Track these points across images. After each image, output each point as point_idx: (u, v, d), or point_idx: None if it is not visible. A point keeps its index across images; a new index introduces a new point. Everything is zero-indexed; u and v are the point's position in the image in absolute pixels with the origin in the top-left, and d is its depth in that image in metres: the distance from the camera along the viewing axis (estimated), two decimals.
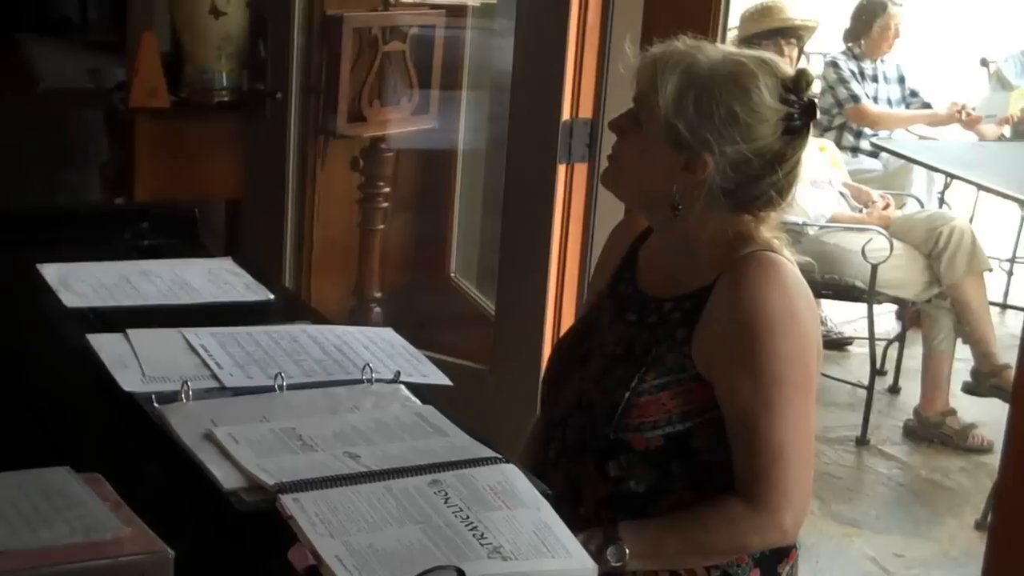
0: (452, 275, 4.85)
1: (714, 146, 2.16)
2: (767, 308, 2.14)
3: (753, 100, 2.16)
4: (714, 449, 2.20)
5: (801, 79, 2.20)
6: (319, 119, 4.40)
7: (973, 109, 6.91)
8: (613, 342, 2.31)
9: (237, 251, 4.01)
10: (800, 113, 2.19)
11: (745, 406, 2.15)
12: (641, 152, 2.24)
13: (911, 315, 5.82)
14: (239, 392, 2.02)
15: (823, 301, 6.05)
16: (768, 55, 2.25)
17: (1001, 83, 7.11)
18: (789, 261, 2.22)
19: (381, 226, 4.64)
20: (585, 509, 2.25)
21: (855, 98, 6.68)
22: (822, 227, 5.30)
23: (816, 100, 2.23)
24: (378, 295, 4.69)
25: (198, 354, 2.13)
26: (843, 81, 6.74)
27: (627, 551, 2.16)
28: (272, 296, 2.51)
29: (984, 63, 7.47)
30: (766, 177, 2.19)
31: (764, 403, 2.13)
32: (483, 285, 4.60)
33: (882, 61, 6.83)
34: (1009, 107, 6.87)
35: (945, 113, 6.86)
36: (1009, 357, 4.94)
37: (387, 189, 4.61)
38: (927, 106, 6.92)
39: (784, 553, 2.30)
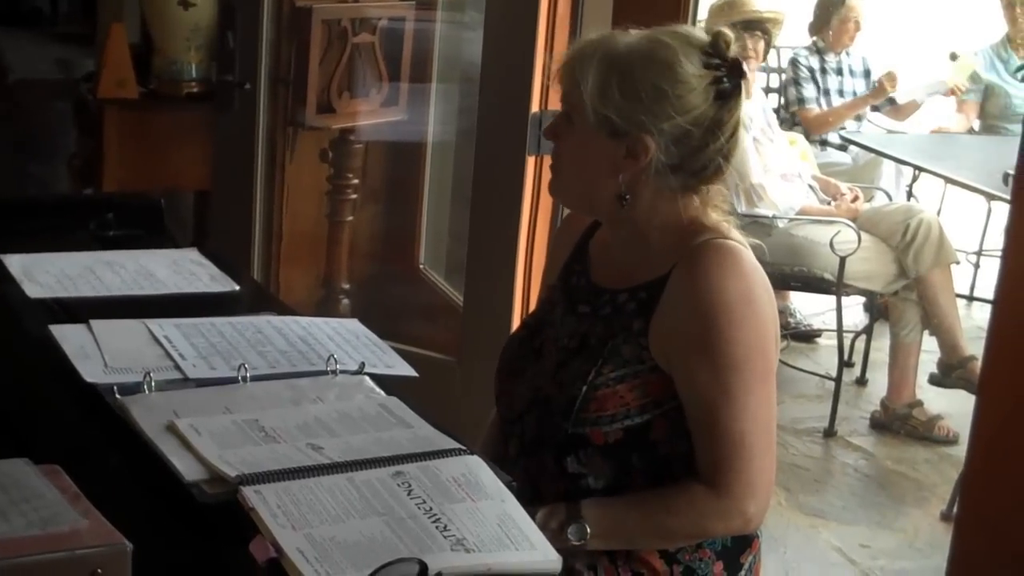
0: (421, 267, 4.84)
1: (650, 126, 2.14)
2: (725, 296, 2.13)
3: (676, 72, 2.14)
4: (672, 441, 2.20)
5: (719, 40, 2.18)
6: (288, 110, 4.40)
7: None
8: (567, 335, 2.30)
9: (206, 242, 3.99)
10: (728, 75, 2.17)
11: (705, 395, 2.14)
12: (580, 150, 2.22)
13: (879, 307, 5.84)
14: (202, 383, 2.01)
15: (791, 293, 6.07)
16: (681, 27, 2.25)
17: (972, 77, 7.12)
18: (744, 246, 2.22)
19: (350, 218, 4.64)
20: (543, 504, 2.22)
21: (801, 101, 6.71)
22: (791, 220, 5.31)
23: (741, 59, 2.20)
24: (346, 287, 4.69)
25: (161, 345, 2.12)
26: (796, 82, 6.78)
27: (588, 530, 2.17)
28: (237, 287, 2.50)
29: (953, 57, 7.47)
30: (709, 145, 2.18)
31: (724, 392, 2.13)
32: (452, 277, 4.59)
33: (847, 54, 6.84)
34: (953, 78, 6.85)
35: (873, 92, 6.80)
36: (975, 349, 4.96)
37: (356, 181, 4.61)
38: (892, 101, 6.93)
39: (746, 544, 2.30)
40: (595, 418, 2.19)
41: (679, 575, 2.24)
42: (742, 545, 2.30)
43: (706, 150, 2.18)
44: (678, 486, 2.19)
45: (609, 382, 2.19)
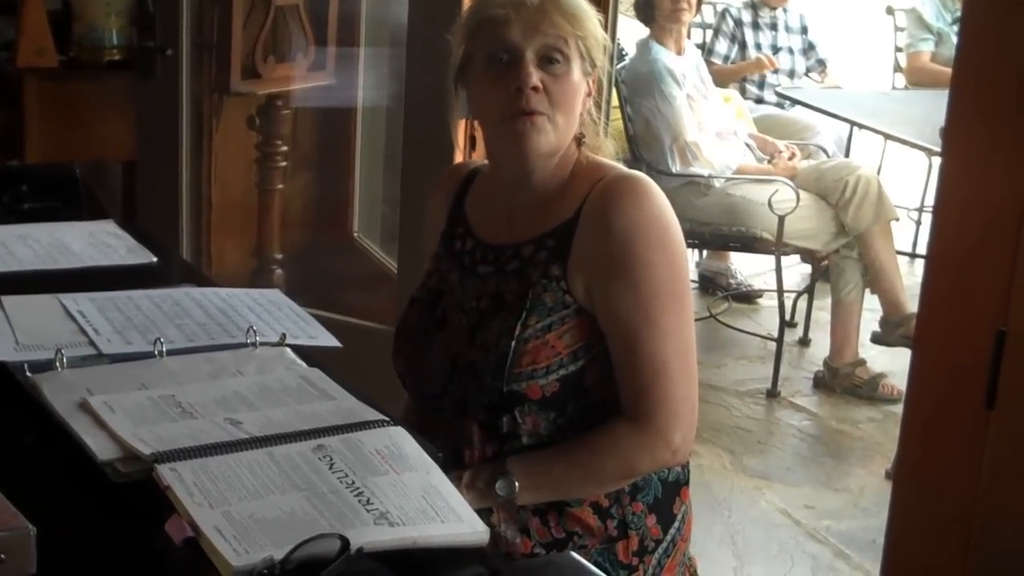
0: (355, 235, 4.80)
1: (600, 60, 2.22)
2: (638, 220, 2.14)
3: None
4: (605, 384, 2.18)
5: None
6: (212, 76, 4.32)
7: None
8: (474, 298, 2.26)
9: (135, 215, 3.94)
10: None
11: (627, 323, 2.13)
12: (574, 94, 2.20)
13: (816, 264, 5.81)
14: (117, 359, 1.99)
15: (731, 254, 6.05)
16: None
17: (923, 24, 7.09)
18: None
19: (280, 186, 4.58)
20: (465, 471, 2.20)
21: (710, 52, 6.74)
22: (728, 179, 5.28)
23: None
24: (279, 257, 4.64)
25: (75, 320, 2.10)
26: (714, 34, 6.79)
27: (516, 483, 2.14)
28: (155, 259, 2.48)
29: (890, 11, 7.48)
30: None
31: (645, 316, 2.12)
32: (387, 244, 4.56)
33: (784, 10, 6.81)
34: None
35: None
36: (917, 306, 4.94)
37: (285, 148, 4.55)
38: (821, 62, 6.91)
39: (676, 493, 2.29)
40: (530, 372, 2.16)
41: (613, 530, 2.22)
42: (672, 495, 2.28)
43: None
44: (602, 427, 2.18)
45: (537, 333, 2.16)
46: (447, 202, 2.40)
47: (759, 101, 6.68)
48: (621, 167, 2.25)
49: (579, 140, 2.24)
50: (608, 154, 2.30)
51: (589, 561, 2.10)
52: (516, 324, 2.16)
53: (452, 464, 2.15)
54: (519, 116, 2.16)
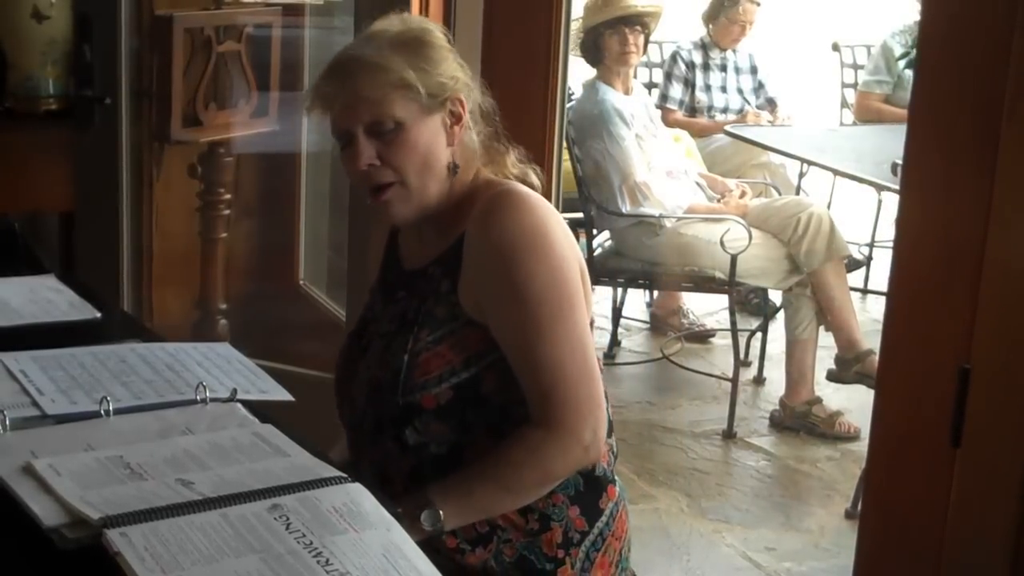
0: (301, 283, 4.77)
1: (459, 81, 2.26)
2: (517, 232, 2.18)
3: (437, 34, 2.28)
4: (505, 390, 2.22)
5: None
6: (153, 125, 4.26)
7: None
8: (388, 321, 2.32)
9: (74, 267, 3.86)
10: None
11: (517, 333, 2.18)
12: (422, 144, 2.23)
13: (764, 303, 5.79)
14: (62, 419, 1.95)
15: (683, 294, 6.02)
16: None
17: (889, 63, 7.10)
18: (533, 189, 2.30)
19: (223, 234, 4.51)
20: (394, 488, 2.24)
21: (665, 98, 6.77)
22: (679, 218, 5.25)
23: None
24: (223, 307, 4.57)
25: (17, 380, 2.06)
26: (667, 78, 6.79)
27: (440, 513, 2.16)
28: (99, 314, 2.44)
29: (836, 48, 7.51)
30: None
31: (534, 327, 2.16)
32: (333, 292, 4.51)
33: (734, 51, 6.82)
34: None
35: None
36: (872, 342, 4.93)
37: (228, 196, 4.49)
38: (771, 100, 6.91)
39: (601, 488, 2.32)
40: (422, 383, 2.21)
41: (534, 523, 2.26)
42: (597, 489, 2.32)
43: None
44: (512, 438, 2.21)
45: (428, 345, 2.22)
46: (386, 236, 2.49)
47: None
48: (510, 183, 2.29)
49: (452, 168, 2.26)
50: (510, 163, 2.36)
51: (515, 555, 2.23)
52: (409, 338, 2.22)
53: (378, 482, 2.20)
54: (373, 195, 2.24)
